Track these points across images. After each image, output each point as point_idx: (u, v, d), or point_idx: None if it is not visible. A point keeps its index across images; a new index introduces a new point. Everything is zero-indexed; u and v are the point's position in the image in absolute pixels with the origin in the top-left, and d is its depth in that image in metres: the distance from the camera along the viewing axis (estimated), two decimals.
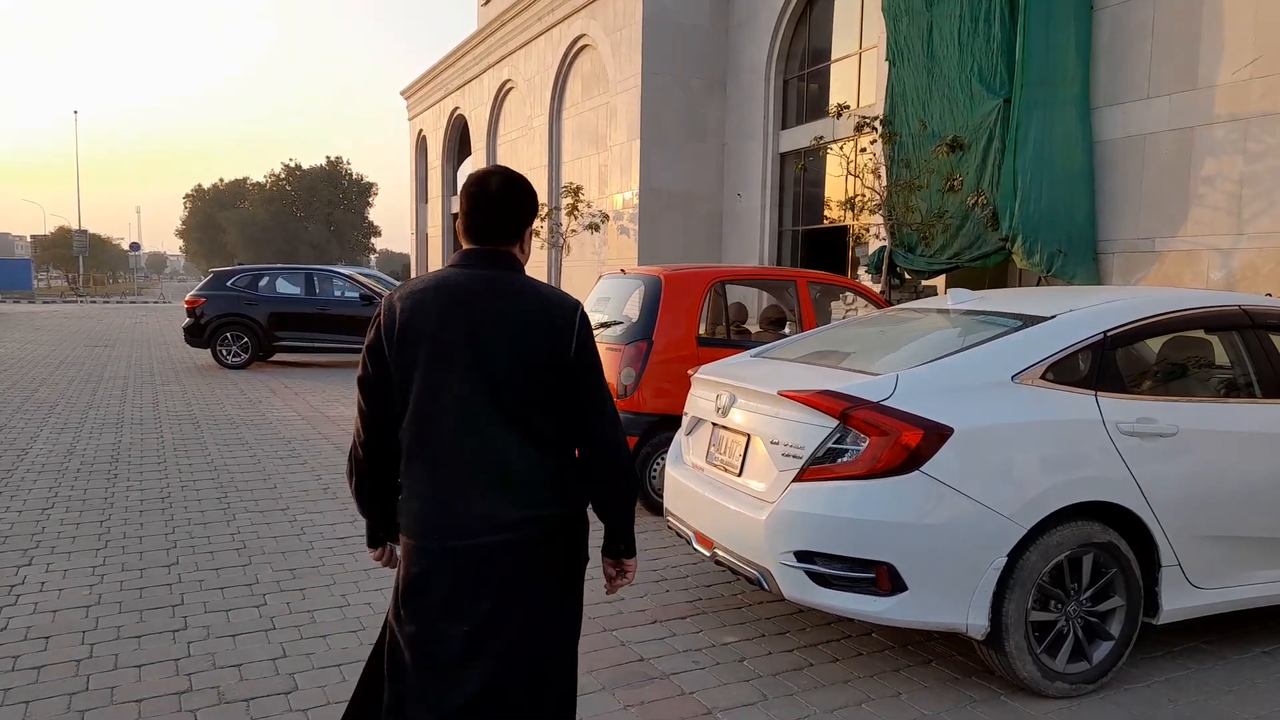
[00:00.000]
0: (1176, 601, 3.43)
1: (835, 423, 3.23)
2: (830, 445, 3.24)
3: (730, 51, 21.17)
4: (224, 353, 14.59)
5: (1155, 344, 3.74)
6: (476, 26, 31.00)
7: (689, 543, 3.94)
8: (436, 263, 38.02)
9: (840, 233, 18.80)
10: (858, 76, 17.87)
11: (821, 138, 13.73)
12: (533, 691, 2.06)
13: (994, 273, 14.86)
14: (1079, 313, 3.57)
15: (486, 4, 30.93)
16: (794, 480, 3.31)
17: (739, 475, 3.65)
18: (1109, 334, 3.49)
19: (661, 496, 5.69)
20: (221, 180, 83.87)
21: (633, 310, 6.13)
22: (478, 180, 2.15)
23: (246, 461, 7.31)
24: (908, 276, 14.36)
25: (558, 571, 2.10)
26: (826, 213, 19.29)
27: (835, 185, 18.38)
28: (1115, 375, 3.49)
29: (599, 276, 6.77)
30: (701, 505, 3.82)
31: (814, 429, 3.29)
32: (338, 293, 15.50)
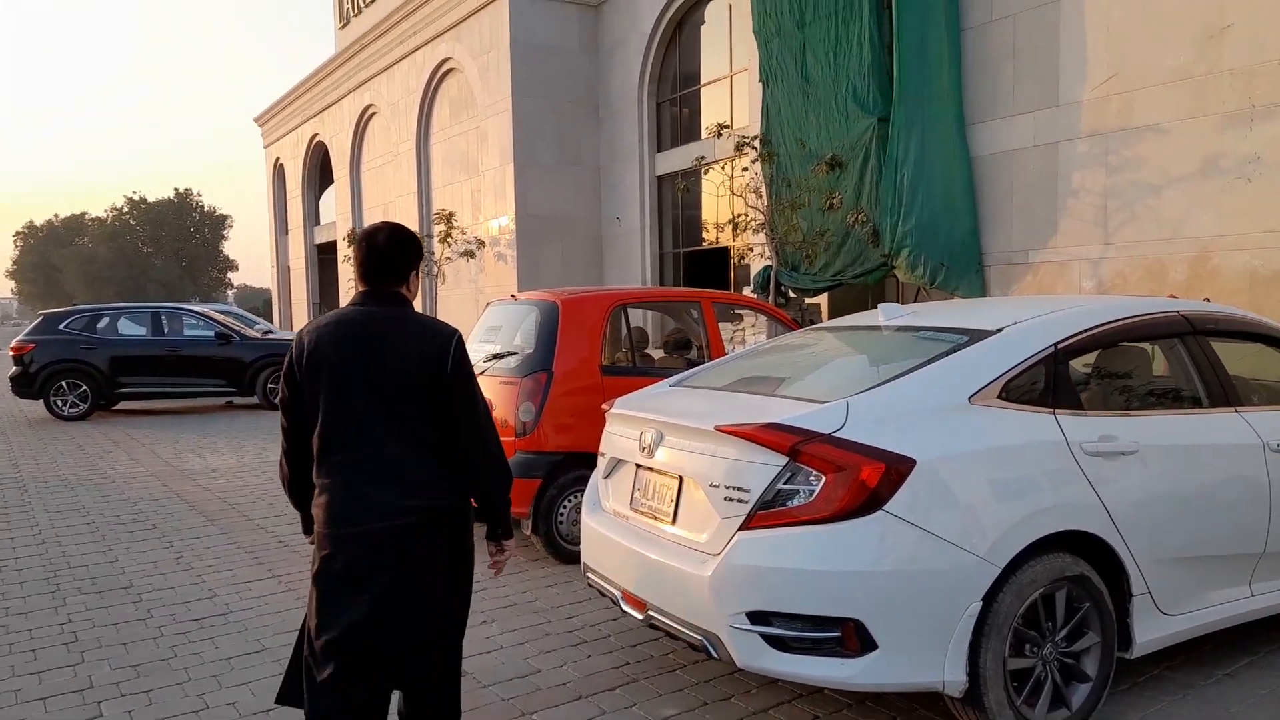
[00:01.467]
0: (1149, 632, 3.18)
1: (784, 459, 2.82)
2: (780, 486, 2.83)
3: (601, 75, 20.96)
4: (59, 404, 13.11)
5: (1097, 357, 3.52)
6: (335, 50, 29.77)
7: (615, 604, 3.45)
8: (300, 297, 36.16)
9: (721, 254, 18.78)
10: (730, 98, 17.95)
11: (703, 158, 13.60)
12: (419, 657, 2.49)
13: (875, 290, 15.09)
14: (1025, 325, 3.30)
15: (345, 27, 29.78)
16: (740, 528, 2.87)
17: (672, 523, 3.20)
18: (1060, 346, 3.23)
19: (571, 544, 5.17)
20: (56, 216, 77.88)
21: (526, 339, 5.62)
22: (368, 234, 2.60)
23: (82, 530, 6.34)
24: (792, 295, 14.36)
25: (443, 555, 2.52)
26: (705, 234, 19.25)
27: (715, 206, 18.36)
28: (1070, 391, 3.24)
29: (486, 305, 6.22)
30: (629, 560, 3.34)
31: (759, 468, 2.87)
32: (190, 332, 14.23)
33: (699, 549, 3.02)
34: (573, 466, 5.22)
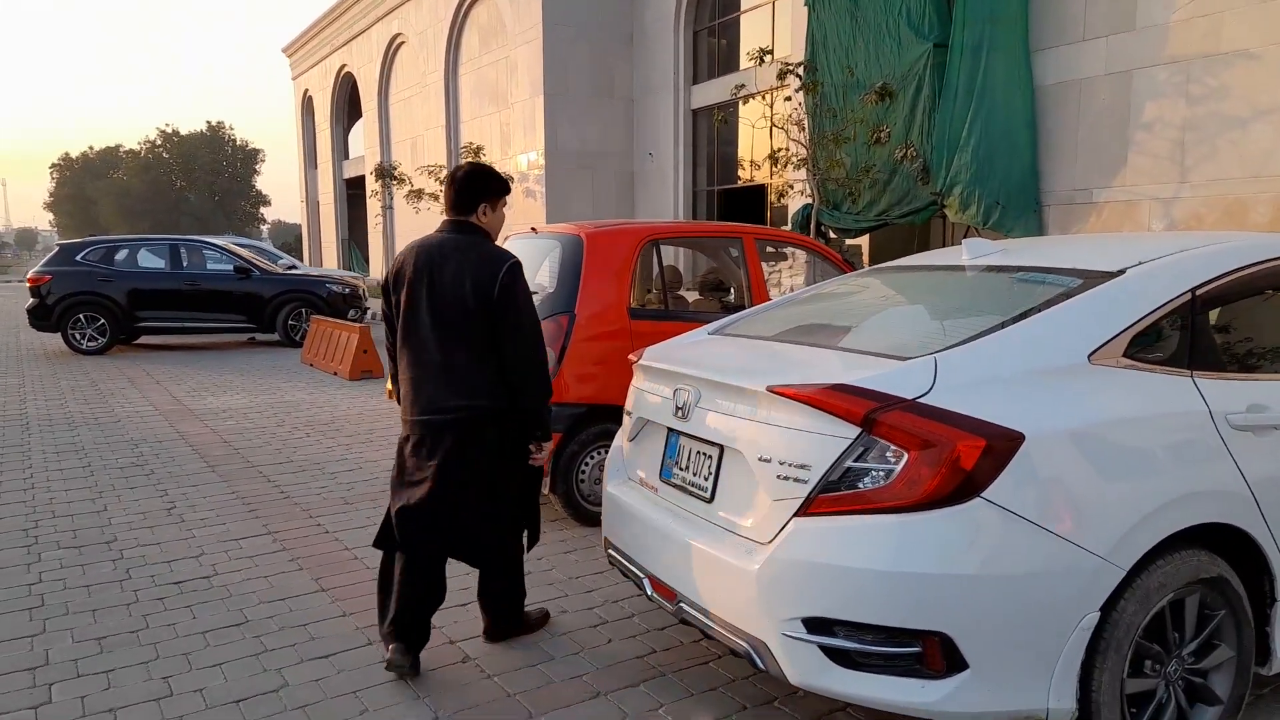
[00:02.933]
0: None
1: (855, 430, 2.25)
2: (849, 464, 2.26)
3: (635, 1, 19.93)
4: (77, 336, 12.81)
5: (1240, 307, 2.86)
6: None
7: (639, 587, 2.92)
8: (329, 232, 35.74)
9: (758, 192, 17.96)
10: (772, 26, 16.94)
11: (741, 87, 12.72)
12: (475, 528, 3.13)
13: (920, 231, 14.25)
14: (1154, 266, 2.66)
15: None
16: (797, 514, 2.31)
17: (711, 501, 2.64)
18: (1198, 293, 2.59)
19: (593, 504, 4.68)
20: (91, 148, 77.78)
21: (547, 278, 5.05)
22: (451, 172, 3.21)
23: (76, 475, 5.95)
24: (833, 235, 13.59)
25: (488, 446, 3.05)
26: (741, 171, 18.40)
27: (752, 141, 17.49)
28: (1211, 349, 2.61)
29: (504, 238, 5.64)
30: (658, 541, 2.80)
31: (823, 440, 2.30)
32: (213, 266, 13.80)
33: (744, 535, 2.47)
34: (596, 420, 4.69)
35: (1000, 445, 2.17)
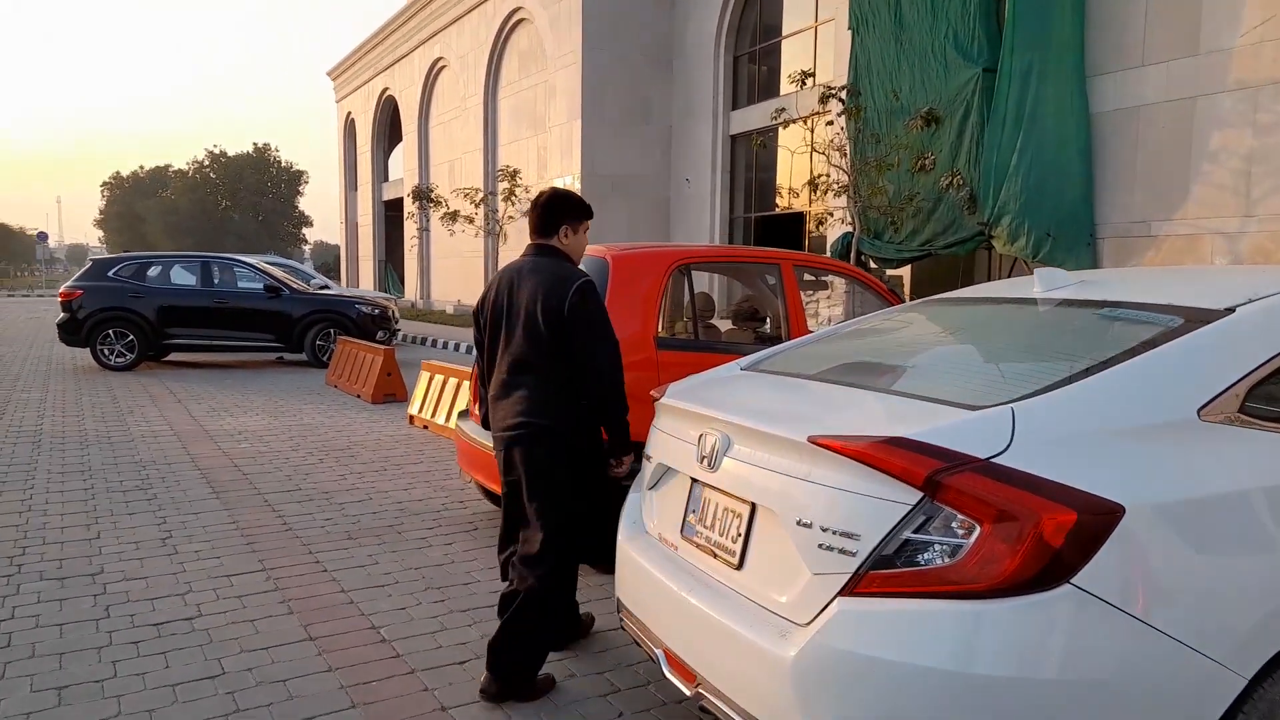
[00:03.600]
0: None
1: (917, 495, 1.86)
2: (908, 535, 1.87)
3: (676, 26, 19.80)
4: (105, 352, 12.74)
5: None
6: (406, 0, 29.07)
7: (655, 663, 2.53)
8: (367, 253, 35.95)
9: (796, 219, 17.61)
10: (814, 51, 16.66)
11: (783, 111, 12.40)
12: (542, 524, 3.16)
13: (964, 263, 13.77)
14: (1271, 302, 2.25)
15: None
16: (842, 592, 1.93)
17: (739, 568, 2.26)
18: None
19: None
20: (142, 168, 79.59)
21: None
22: (536, 197, 3.35)
23: (76, 497, 5.70)
24: (873, 265, 13.17)
25: (545, 459, 3.15)
26: (779, 199, 18.07)
27: (790, 167, 17.17)
28: None
29: None
30: (676, 610, 2.42)
31: (876, 505, 1.91)
32: (243, 284, 13.70)
33: (778, 613, 2.08)
34: None
35: (1094, 519, 1.77)
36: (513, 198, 20.39)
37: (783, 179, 17.69)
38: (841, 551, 1.95)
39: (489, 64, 24.07)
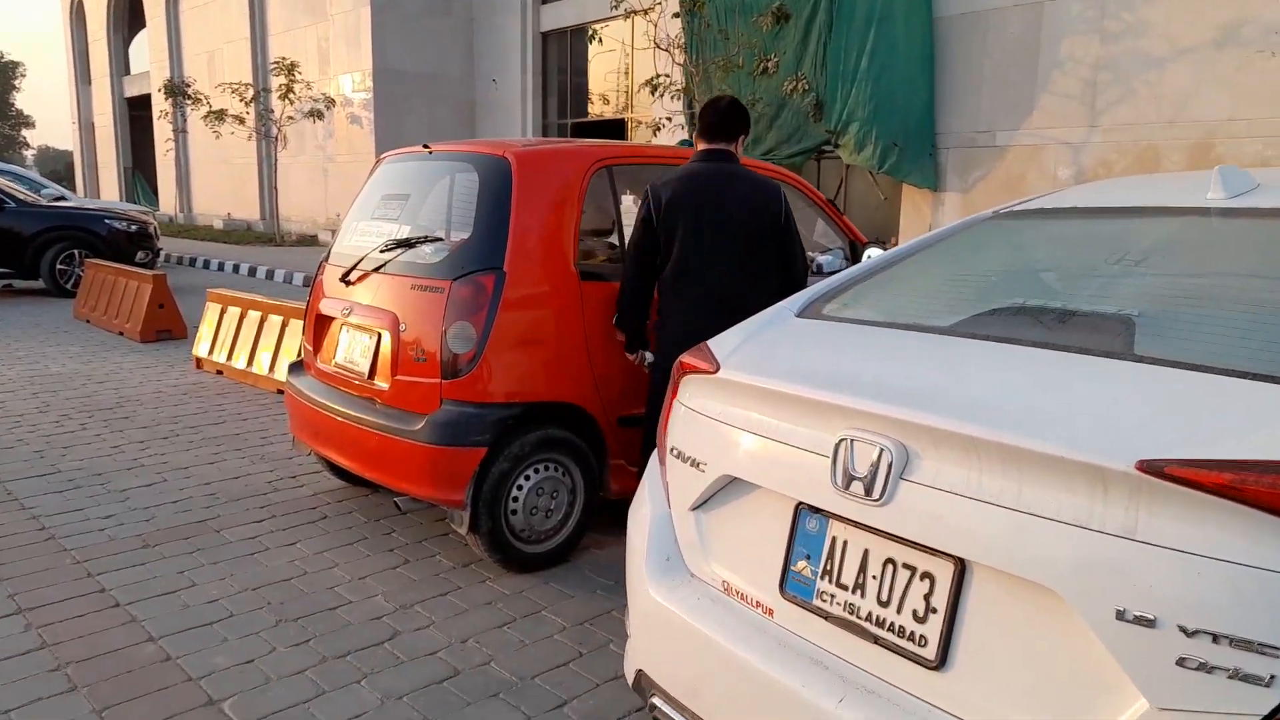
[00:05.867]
0: None
1: None
2: None
3: None
4: None
5: None
6: None
7: None
8: (108, 160, 31.01)
9: (616, 126, 16.52)
10: None
11: (617, 4, 11.12)
12: None
13: (802, 173, 13.34)
14: None
15: None
16: None
17: (940, 667, 1.33)
18: None
19: (529, 543, 3.33)
20: None
21: (453, 219, 3.51)
22: (712, 100, 3.35)
23: None
24: None
25: None
26: (601, 104, 16.87)
27: (614, 70, 15.98)
28: None
29: (379, 159, 3.99)
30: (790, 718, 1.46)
31: None
32: None
33: None
34: (534, 423, 3.25)
35: None
36: (291, 94, 17.78)
37: (606, 82, 16.49)
38: (1239, 678, 1.05)
39: None
